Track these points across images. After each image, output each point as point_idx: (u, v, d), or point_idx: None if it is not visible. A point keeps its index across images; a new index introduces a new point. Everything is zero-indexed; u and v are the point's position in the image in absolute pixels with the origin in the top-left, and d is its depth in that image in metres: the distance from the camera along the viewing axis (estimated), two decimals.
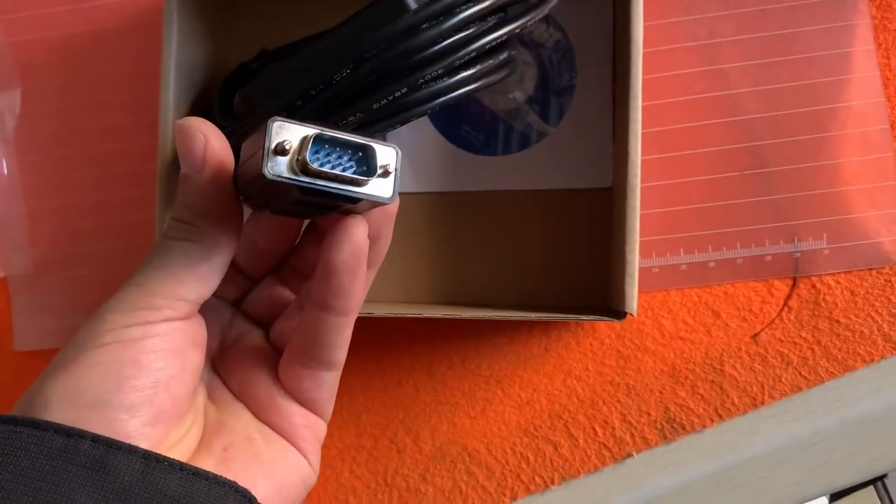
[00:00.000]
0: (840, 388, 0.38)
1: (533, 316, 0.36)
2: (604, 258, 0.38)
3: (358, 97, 0.30)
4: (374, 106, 0.29)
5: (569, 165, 0.39)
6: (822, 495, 0.39)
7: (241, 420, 0.27)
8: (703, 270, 0.39)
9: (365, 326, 0.34)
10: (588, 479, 0.39)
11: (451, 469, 0.40)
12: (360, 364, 0.41)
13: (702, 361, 0.39)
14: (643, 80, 0.34)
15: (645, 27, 0.34)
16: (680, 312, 0.39)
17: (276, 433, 0.27)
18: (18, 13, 0.44)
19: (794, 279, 0.39)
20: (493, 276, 0.40)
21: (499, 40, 0.31)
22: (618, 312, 0.35)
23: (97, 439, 0.22)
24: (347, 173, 0.22)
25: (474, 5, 0.29)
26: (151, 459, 0.23)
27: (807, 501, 0.39)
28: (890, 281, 0.38)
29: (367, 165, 0.23)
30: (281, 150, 0.22)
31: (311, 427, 0.28)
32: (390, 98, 0.29)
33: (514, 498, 0.39)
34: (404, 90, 0.29)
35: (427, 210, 0.40)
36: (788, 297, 0.39)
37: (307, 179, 0.22)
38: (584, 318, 0.35)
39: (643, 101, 0.34)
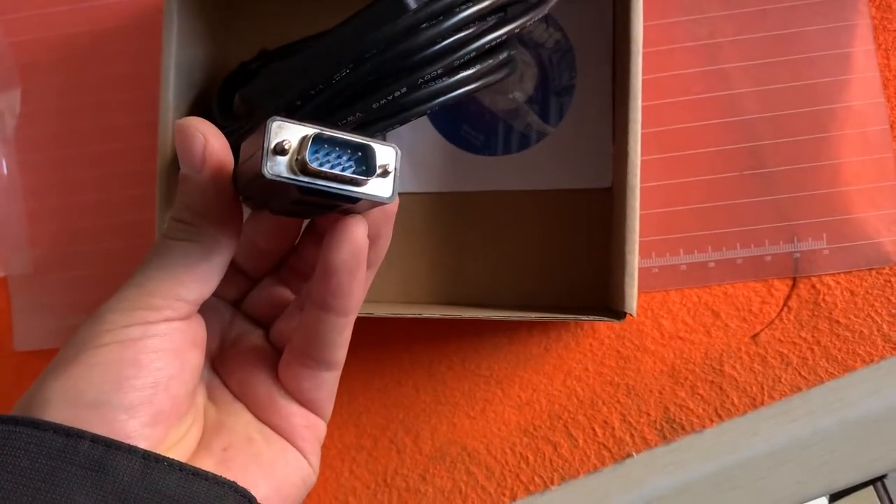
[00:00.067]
0: (840, 389, 0.38)
1: (533, 316, 0.36)
2: (604, 258, 0.38)
3: (357, 97, 0.30)
4: (374, 106, 0.29)
5: (569, 165, 0.39)
6: (821, 495, 0.39)
7: (241, 420, 0.27)
8: (703, 271, 0.39)
9: (365, 326, 0.34)
10: (588, 479, 0.39)
11: (451, 469, 0.40)
12: (360, 364, 0.41)
13: (701, 362, 0.39)
14: (643, 80, 0.34)
15: (645, 27, 0.34)
16: (680, 313, 0.39)
17: (276, 433, 0.27)
18: (18, 13, 0.44)
19: (794, 279, 0.39)
20: (493, 277, 0.40)
21: (498, 40, 0.31)
22: (617, 313, 0.35)
23: (97, 439, 0.22)
24: (347, 173, 0.22)
25: (474, 5, 0.29)
26: (151, 459, 0.23)
27: (807, 502, 0.39)
28: (890, 281, 0.38)
29: (366, 165, 0.23)
30: (280, 150, 0.22)
31: (310, 427, 0.28)
32: (390, 98, 0.29)
33: (514, 498, 0.39)
34: (404, 90, 0.29)
35: (427, 210, 0.40)
36: (788, 297, 0.39)
37: (306, 179, 0.22)
38: (584, 318, 0.35)
39: (643, 101, 0.34)
